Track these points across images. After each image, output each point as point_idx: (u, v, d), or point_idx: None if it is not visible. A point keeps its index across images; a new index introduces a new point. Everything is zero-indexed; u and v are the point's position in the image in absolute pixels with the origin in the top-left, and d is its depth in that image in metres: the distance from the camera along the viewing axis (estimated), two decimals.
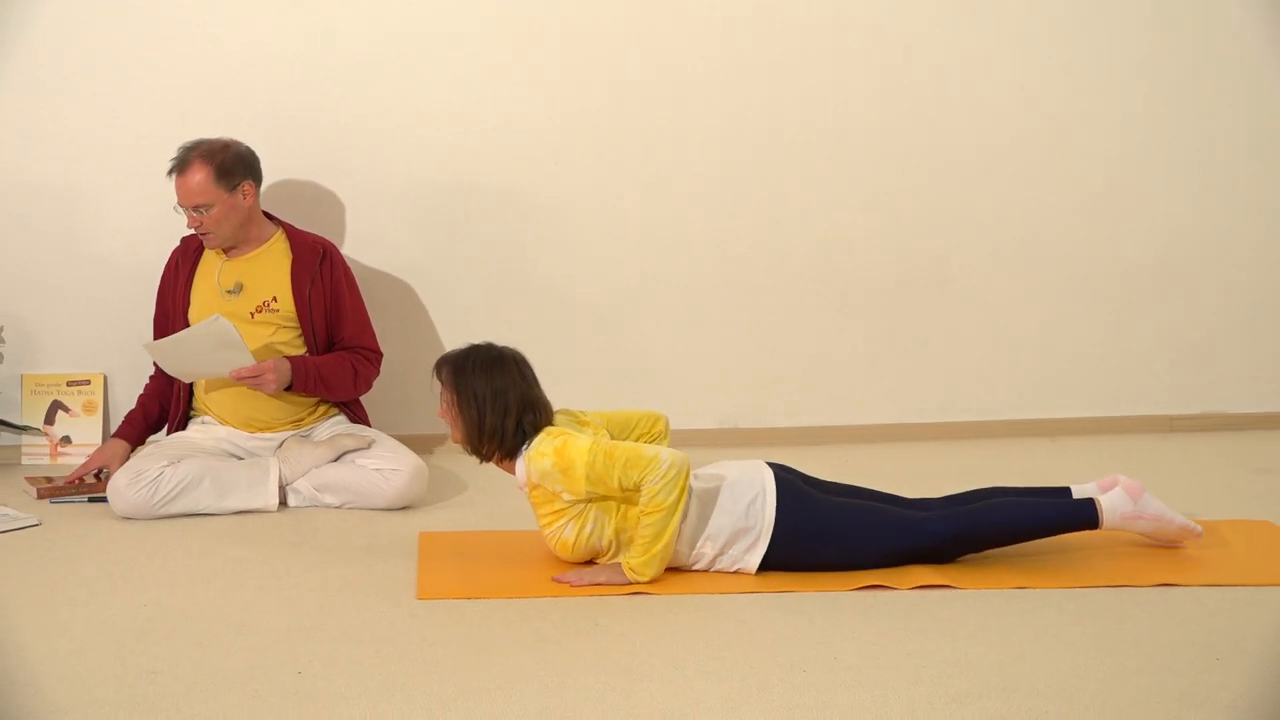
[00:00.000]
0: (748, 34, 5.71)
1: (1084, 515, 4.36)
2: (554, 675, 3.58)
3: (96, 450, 5.17)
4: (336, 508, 4.98)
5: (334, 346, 5.17)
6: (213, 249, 5.11)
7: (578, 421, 4.38)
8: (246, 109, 5.40)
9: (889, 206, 5.85)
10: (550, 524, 4.24)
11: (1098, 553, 4.46)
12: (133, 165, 5.51)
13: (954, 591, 4.16)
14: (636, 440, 4.42)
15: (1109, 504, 4.35)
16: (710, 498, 4.24)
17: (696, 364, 5.84)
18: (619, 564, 4.20)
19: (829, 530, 4.24)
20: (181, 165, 4.99)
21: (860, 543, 4.25)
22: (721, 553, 4.24)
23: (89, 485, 5.02)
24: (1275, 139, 5.97)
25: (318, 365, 5.04)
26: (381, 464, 4.97)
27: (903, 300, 5.87)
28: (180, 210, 5.01)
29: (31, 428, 5.58)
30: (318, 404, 5.15)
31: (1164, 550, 4.47)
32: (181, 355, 4.91)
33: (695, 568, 4.28)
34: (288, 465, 4.98)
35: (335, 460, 5.01)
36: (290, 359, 4.99)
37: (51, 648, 3.76)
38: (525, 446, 4.24)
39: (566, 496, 4.17)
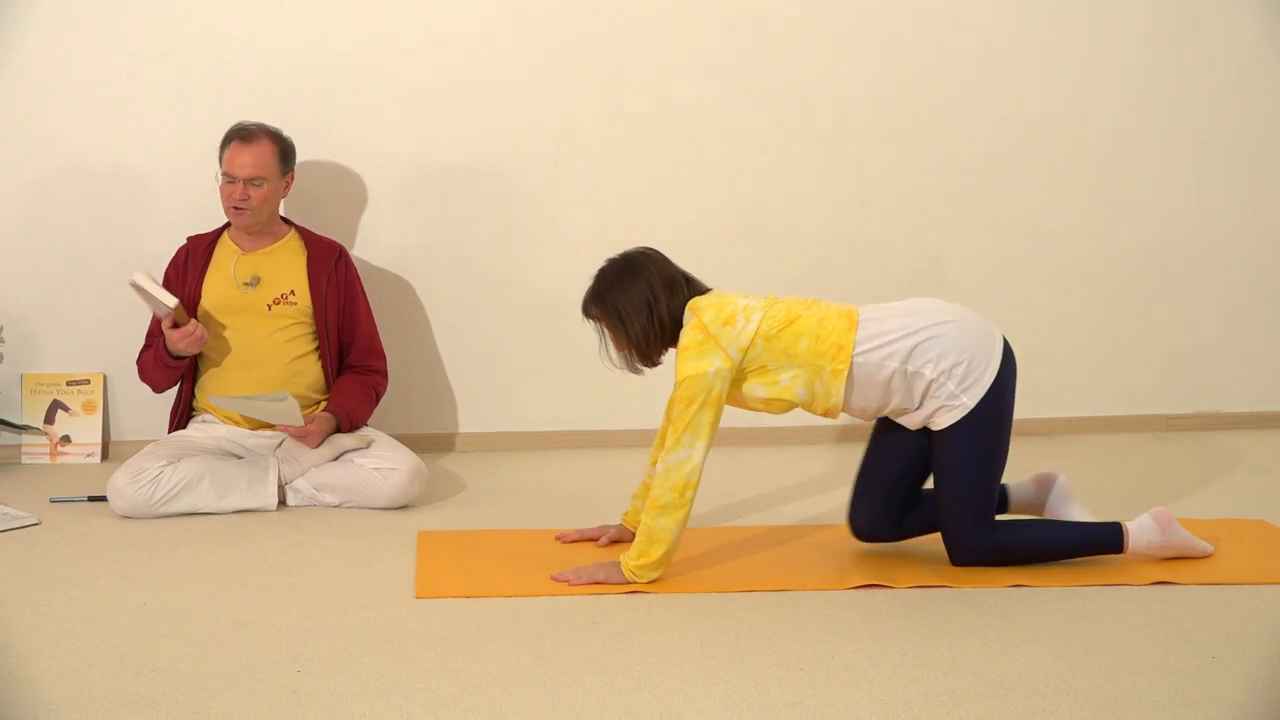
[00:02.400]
0: (746, 35, 5.71)
1: (1111, 539, 4.35)
2: (552, 673, 3.57)
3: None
4: (335, 507, 4.98)
5: (346, 350, 5.22)
6: (242, 228, 5.13)
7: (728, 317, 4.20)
8: (248, 111, 5.38)
9: (888, 207, 5.86)
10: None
11: None
12: (135, 167, 5.52)
13: (950, 590, 4.16)
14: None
15: (1136, 530, 4.34)
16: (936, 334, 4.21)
17: None
18: (617, 564, 4.20)
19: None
20: (248, 136, 5.03)
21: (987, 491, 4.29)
22: (941, 378, 4.18)
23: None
24: (1270, 142, 5.98)
25: (350, 409, 5.10)
26: (380, 463, 4.97)
27: (900, 297, 5.87)
28: (226, 180, 5.03)
29: (32, 427, 5.58)
30: (318, 402, 5.15)
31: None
32: (240, 406, 4.91)
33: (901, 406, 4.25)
34: (287, 465, 4.98)
35: (334, 460, 5.01)
36: (330, 410, 5.05)
37: (52, 646, 3.76)
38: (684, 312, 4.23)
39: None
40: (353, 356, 5.23)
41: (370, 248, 5.68)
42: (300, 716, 3.34)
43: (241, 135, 5.05)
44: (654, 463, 4.48)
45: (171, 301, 4.87)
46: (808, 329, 4.20)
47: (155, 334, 5.10)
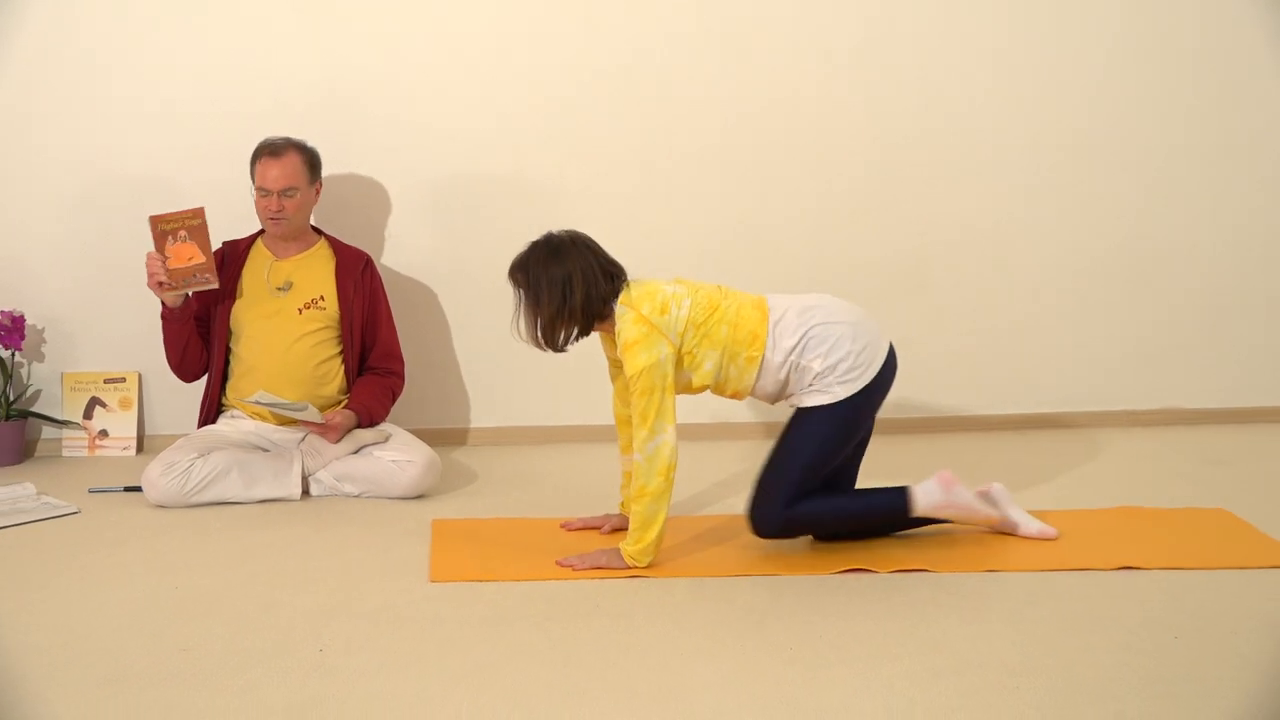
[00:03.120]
0: (741, 50, 5.70)
1: (898, 501, 4.38)
2: (558, 652, 3.58)
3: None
4: (355, 496, 4.99)
5: (367, 353, 5.23)
6: (278, 236, 5.15)
7: (661, 300, 4.22)
8: (275, 125, 5.39)
9: (874, 213, 5.85)
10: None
11: (1064, 539, 4.47)
12: (167, 179, 5.52)
13: (930, 575, 4.16)
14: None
15: (921, 493, 4.37)
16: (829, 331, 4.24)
17: None
18: (617, 550, 4.21)
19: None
20: (277, 150, 5.05)
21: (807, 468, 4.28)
22: (825, 372, 4.21)
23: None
24: (1229, 152, 5.97)
25: (370, 406, 5.11)
26: (397, 456, 4.98)
27: (887, 302, 5.87)
28: (260, 194, 5.05)
29: (71, 422, 5.59)
30: (339, 399, 5.17)
31: (1127, 535, 4.48)
32: (271, 405, 4.93)
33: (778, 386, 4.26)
34: (310, 457, 4.99)
35: (354, 453, 5.03)
36: (351, 408, 5.06)
37: (91, 626, 3.77)
38: (616, 306, 4.22)
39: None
40: (373, 359, 5.25)
41: (396, 256, 5.68)
42: (323, 692, 3.35)
43: (271, 150, 5.06)
44: (625, 451, 4.52)
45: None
46: (727, 317, 4.23)
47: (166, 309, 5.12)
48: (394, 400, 5.25)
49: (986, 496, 4.52)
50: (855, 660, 3.54)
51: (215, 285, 4.99)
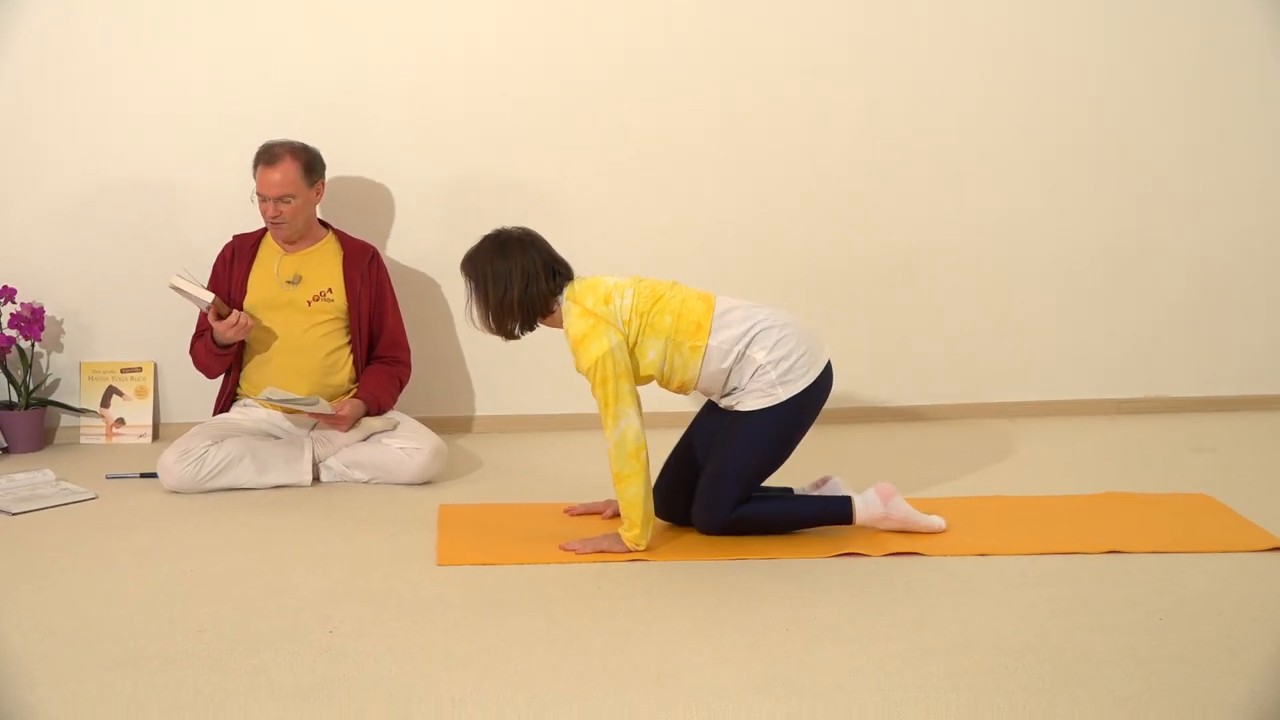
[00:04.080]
0: (734, 53, 5.69)
1: (840, 511, 4.36)
2: (560, 634, 3.58)
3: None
4: (364, 483, 4.98)
5: (374, 343, 5.22)
6: (280, 240, 5.13)
7: (606, 295, 4.22)
8: (282, 126, 5.37)
9: (865, 212, 5.84)
10: None
11: (1052, 523, 4.47)
12: (180, 176, 5.52)
13: (922, 558, 4.16)
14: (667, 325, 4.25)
15: (862, 504, 4.35)
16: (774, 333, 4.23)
17: None
18: (619, 534, 4.20)
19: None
20: (272, 158, 5.02)
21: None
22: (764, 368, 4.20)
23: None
24: (1216, 149, 5.96)
25: (378, 395, 5.11)
26: (405, 443, 4.98)
27: (877, 296, 5.87)
28: (260, 199, 5.03)
29: (89, 410, 5.58)
30: (349, 388, 5.16)
31: (1113, 520, 4.48)
32: (282, 400, 4.91)
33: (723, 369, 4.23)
34: (320, 445, 4.99)
35: (363, 440, 5.02)
36: (360, 397, 5.06)
37: (107, 609, 3.76)
38: (561, 302, 4.22)
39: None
40: (380, 348, 5.24)
41: (402, 249, 5.67)
42: (332, 673, 3.35)
43: (266, 158, 5.03)
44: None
45: (209, 297, 4.88)
46: (671, 307, 4.22)
47: (206, 324, 5.10)
48: (401, 389, 5.24)
49: (823, 485, 4.51)
50: (849, 641, 3.53)
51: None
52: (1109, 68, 5.88)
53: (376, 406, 5.08)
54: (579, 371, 4.18)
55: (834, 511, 4.35)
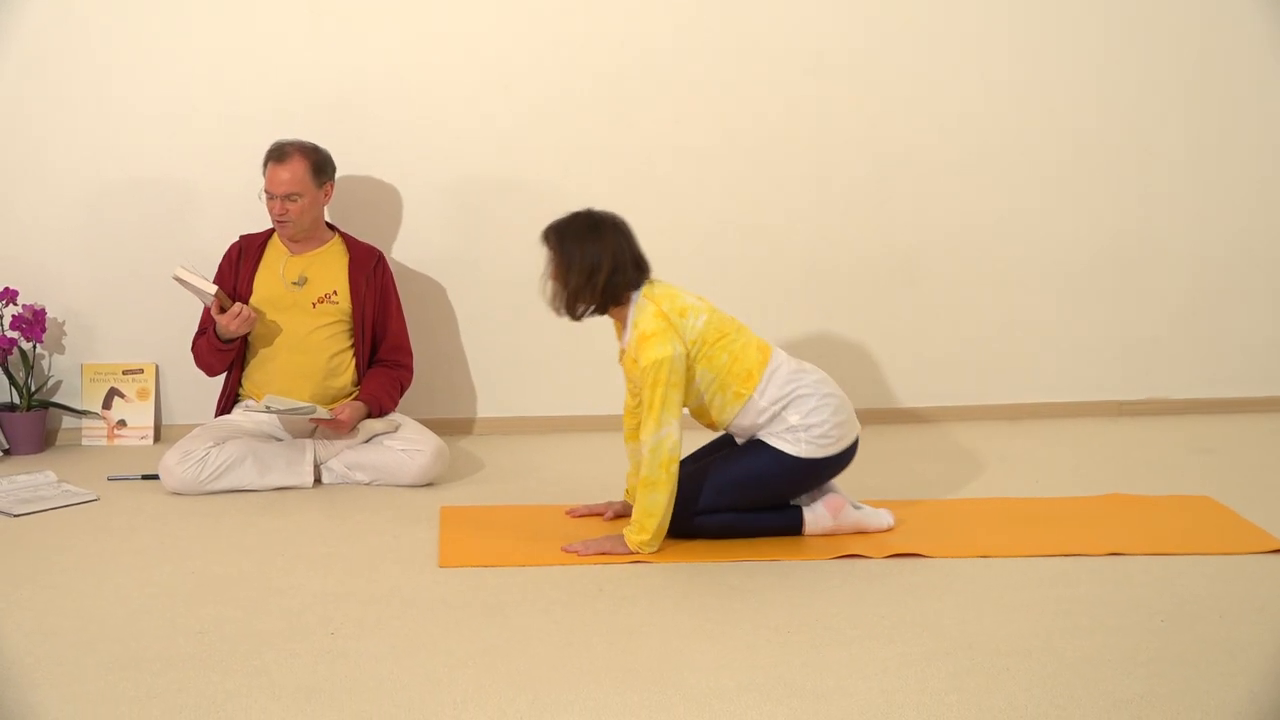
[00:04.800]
0: (735, 52, 5.68)
1: (791, 523, 4.36)
2: (562, 635, 3.58)
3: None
4: (366, 484, 4.98)
5: (377, 346, 5.21)
6: (285, 238, 5.14)
7: (683, 309, 4.23)
8: (287, 127, 5.37)
9: (867, 212, 5.84)
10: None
11: (1053, 525, 4.47)
12: (183, 177, 5.51)
13: (924, 560, 4.16)
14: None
15: (811, 517, 4.35)
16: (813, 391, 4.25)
17: None
18: (621, 535, 4.20)
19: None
20: (281, 155, 5.03)
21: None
22: (800, 427, 4.22)
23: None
24: (1214, 148, 5.96)
25: (380, 398, 5.09)
26: (407, 445, 4.97)
27: (879, 296, 5.86)
28: (267, 196, 5.04)
29: (90, 412, 5.58)
30: (351, 390, 5.15)
31: (1115, 522, 4.48)
32: (282, 407, 4.90)
33: (759, 421, 4.25)
34: (322, 446, 4.99)
35: (365, 442, 5.02)
36: (361, 399, 5.05)
37: (109, 610, 3.76)
38: (635, 297, 4.22)
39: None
40: (383, 352, 5.23)
41: (407, 252, 5.67)
42: (334, 674, 3.35)
43: (276, 155, 5.05)
44: (629, 439, 4.51)
45: (212, 289, 4.89)
46: (731, 348, 4.23)
47: (208, 321, 5.10)
48: (402, 392, 5.23)
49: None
50: (850, 643, 3.53)
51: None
52: (1110, 69, 5.87)
53: (378, 409, 5.08)
54: (634, 364, 4.18)
55: (785, 523, 4.35)
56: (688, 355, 4.17)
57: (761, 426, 4.26)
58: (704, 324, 4.21)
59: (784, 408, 4.23)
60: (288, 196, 5.02)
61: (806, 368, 4.33)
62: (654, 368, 4.11)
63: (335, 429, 4.97)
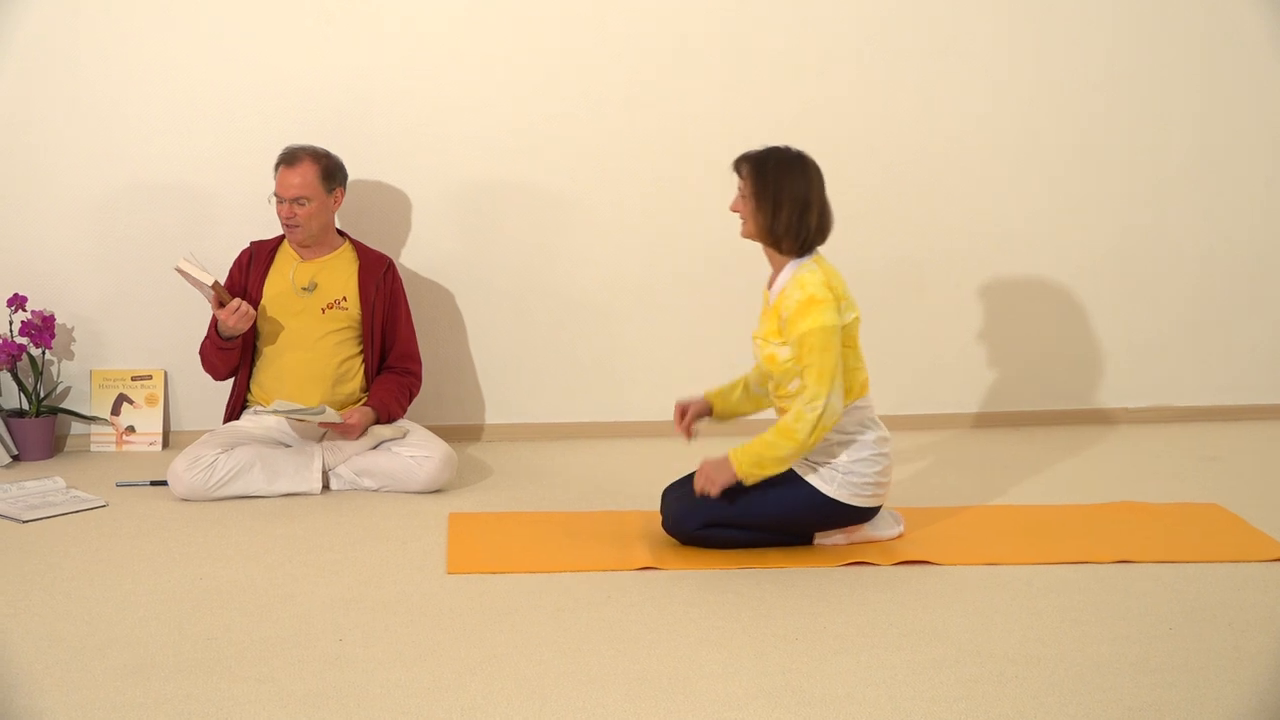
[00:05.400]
0: (746, 54, 5.69)
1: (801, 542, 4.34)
2: (570, 642, 3.57)
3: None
4: (374, 491, 4.97)
5: (386, 353, 5.22)
6: (295, 242, 5.14)
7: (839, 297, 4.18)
8: (294, 134, 5.38)
9: (876, 221, 5.83)
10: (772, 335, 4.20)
11: (1061, 532, 4.46)
12: (191, 183, 5.52)
13: (932, 567, 4.15)
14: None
15: (822, 535, 4.34)
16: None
17: (701, 360, 5.82)
18: (728, 460, 4.14)
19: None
20: (292, 159, 5.04)
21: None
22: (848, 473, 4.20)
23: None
24: (1222, 155, 5.95)
25: (388, 404, 5.09)
26: (415, 451, 4.97)
27: (888, 304, 5.85)
28: (276, 200, 5.04)
29: (99, 418, 5.58)
30: (359, 397, 5.16)
31: (1123, 530, 4.47)
32: (289, 412, 4.91)
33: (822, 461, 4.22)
34: (330, 453, 4.98)
35: (373, 448, 5.01)
36: (370, 405, 5.05)
37: (118, 616, 3.76)
38: (805, 259, 4.18)
39: (776, 343, 4.14)
40: (392, 359, 5.23)
41: (416, 258, 5.67)
42: (342, 681, 3.34)
43: (287, 159, 5.05)
44: (742, 384, 4.45)
45: (210, 280, 4.89)
46: (849, 362, 4.19)
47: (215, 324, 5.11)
48: (411, 399, 5.23)
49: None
50: (859, 650, 3.52)
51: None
52: (1119, 77, 5.87)
53: (386, 415, 5.08)
54: (777, 318, 4.13)
55: (794, 543, 4.32)
56: None
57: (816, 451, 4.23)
58: (851, 321, 4.17)
59: (841, 443, 4.20)
60: (296, 200, 5.02)
61: (880, 424, 4.28)
62: (820, 333, 4.05)
63: (344, 433, 4.97)
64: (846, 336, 4.17)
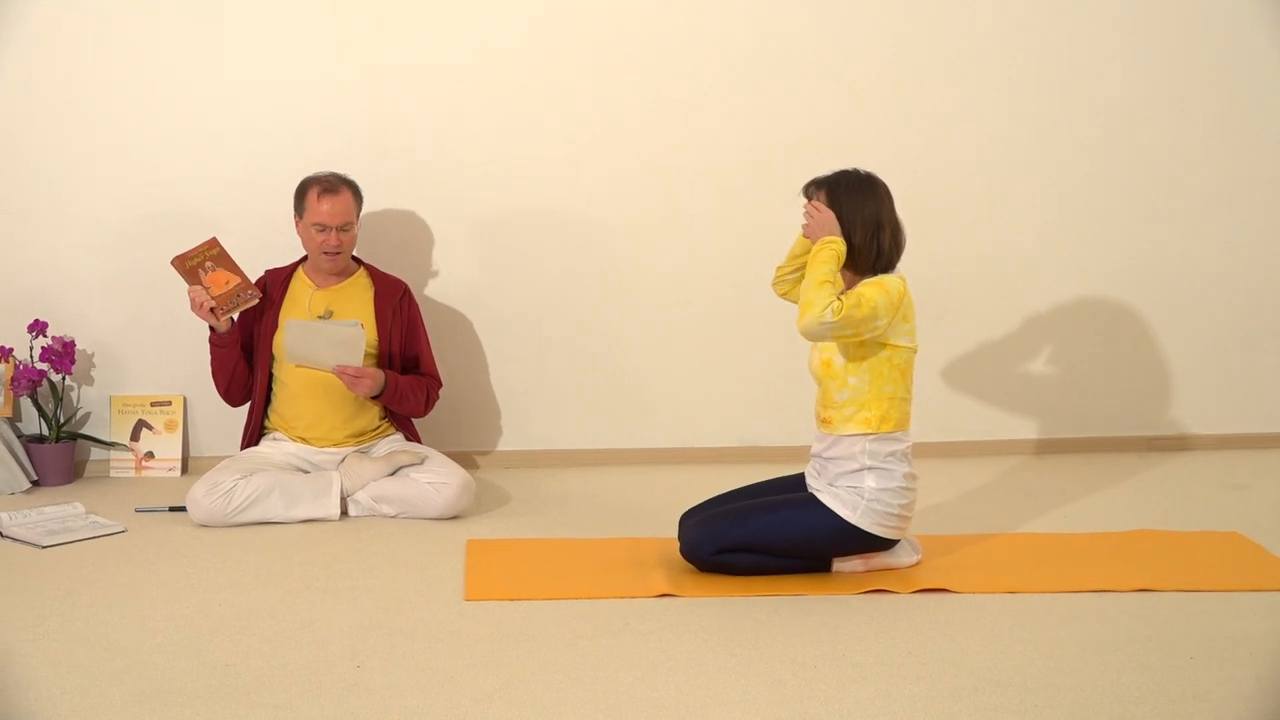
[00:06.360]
0: (763, 79, 5.69)
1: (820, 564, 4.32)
2: (588, 670, 3.57)
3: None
4: (392, 517, 4.98)
5: (407, 373, 5.21)
6: (333, 271, 5.15)
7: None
8: (312, 161, 5.39)
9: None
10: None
11: (1082, 561, 4.44)
12: (209, 210, 5.53)
13: (951, 595, 4.14)
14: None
15: (840, 561, 4.31)
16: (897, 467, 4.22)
17: (720, 386, 5.82)
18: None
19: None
20: (334, 188, 5.08)
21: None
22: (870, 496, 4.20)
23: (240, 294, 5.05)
24: (1245, 181, 5.94)
25: (402, 384, 5.10)
26: (433, 478, 4.97)
27: None
28: (317, 229, 5.06)
29: (119, 444, 5.60)
30: (378, 424, 5.16)
31: (1144, 558, 4.45)
32: (309, 339, 4.91)
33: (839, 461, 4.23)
34: (349, 479, 4.99)
35: (391, 474, 5.02)
36: (385, 372, 5.04)
37: (136, 642, 3.76)
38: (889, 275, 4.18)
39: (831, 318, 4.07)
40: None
41: (433, 284, 5.68)
42: (359, 708, 3.34)
43: (328, 187, 5.06)
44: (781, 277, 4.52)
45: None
46: (902, 382, 4.21)
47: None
48: (428, 402, 5.20)
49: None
50: (878, 679, 3.51)
51: (260, 297, 5.06)
52: (1141, 101, 5.86)
53: (395, 391, 5.06)
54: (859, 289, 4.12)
55: (811, 568, 4.31)
56: (866, 338, 4.12)
57: (842, 466, 4.22)
58: (908, 349, 4.19)
59: (872, 468, 4.19)
60: (342, 228, 5.05)
61: (912, 461, 4.27)
62: (878, 287, 4.08)
63: (352, 386, 4.95)
64: (903, 364, 4.19)
